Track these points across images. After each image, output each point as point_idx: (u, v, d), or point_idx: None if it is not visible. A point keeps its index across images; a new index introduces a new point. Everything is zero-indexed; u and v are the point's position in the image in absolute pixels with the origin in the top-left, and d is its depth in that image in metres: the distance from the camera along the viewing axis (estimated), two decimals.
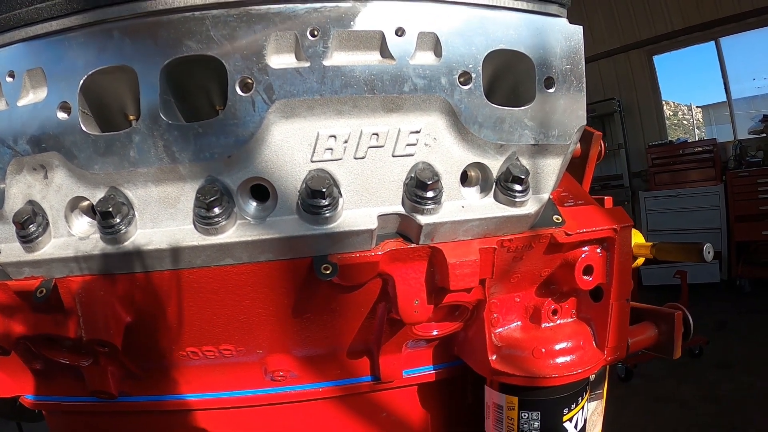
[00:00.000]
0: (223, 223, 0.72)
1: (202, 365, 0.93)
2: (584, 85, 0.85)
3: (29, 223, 0.76)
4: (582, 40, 0.84)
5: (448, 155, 0.78)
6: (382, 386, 1.00)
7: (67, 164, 0.75)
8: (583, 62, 0.84)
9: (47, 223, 0.77)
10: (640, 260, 1.30)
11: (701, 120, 9.76)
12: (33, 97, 0.77)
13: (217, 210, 0.71)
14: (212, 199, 0.70)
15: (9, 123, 0.77)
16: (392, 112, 0.74)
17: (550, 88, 0.82)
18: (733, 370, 4.24)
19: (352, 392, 1.01)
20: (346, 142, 0.73)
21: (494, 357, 0.95)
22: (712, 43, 7.42)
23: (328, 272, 0.74)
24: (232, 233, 0.73)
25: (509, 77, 0.87)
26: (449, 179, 0.79)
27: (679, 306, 1.10)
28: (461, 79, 0.76)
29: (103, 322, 0.79)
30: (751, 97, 7.58)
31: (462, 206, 0.80)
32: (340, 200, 0.74)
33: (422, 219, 0.76)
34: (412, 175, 0.76)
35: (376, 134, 0.74)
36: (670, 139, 7.74)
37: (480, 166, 0.82)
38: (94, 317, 0.78)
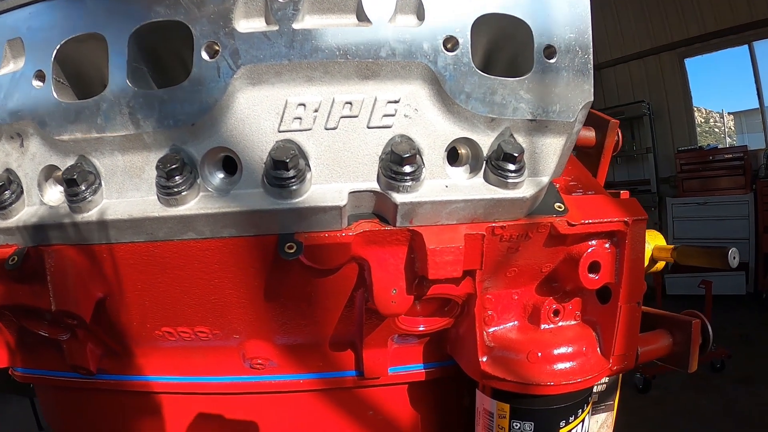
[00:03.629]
0: (184, 193, 0.63)
1: (180, 347, 0.85)
2: (591, 57, 0.71)
3: (3, 190, 0.71)
4: (588, 8, 0.71)
5: (432, 128, 0.67)
6: (367, 382, 0.88)
7: (40, 132, 0.69)
8: (590, 31, 0.71)
9: (21, 191, 0.72)
10: (661, 264, 1.13)
11: (733, 128, 9.05)
12: (13, 66, 0.72)
13: (177, 179, 0.63)
14: (172, 167, 0.62)
15: None
16: (367, 79, 0.63)
17: (551, 58, 0.68)
18: (755, 386, 3.82)
19: (336, 386, 0.90)
20: (316, 111, 0.63)
21: (485, 358, 0.81)
22: (746, 47, 6.80)
23: (292, 251, 0.64)
24: (193, 205, 0.64)
25: (507, 49, 0.75)
26: (432, 155, 0.67)
27: (698, 314, 0.92)
28: (447, 45, 0.64)
29: (71, 292, 0.72)
30: None
31: (446, 186, 0.68)
32: (308, 174, 0.64)
33: (398, 197, 0.65)
34: (389, 149, 0.65)
35: (350, 103, 0.64)
36: (700, 145, 7.17)
37: (469, 143, 0.70)
38: (63, 287, 0.72)
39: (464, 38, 0.64)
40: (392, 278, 0.70)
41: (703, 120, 8.74)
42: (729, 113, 9.01)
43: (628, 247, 0.81)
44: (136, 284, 0.73)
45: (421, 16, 0.63)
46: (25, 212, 0.72)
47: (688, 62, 7.28)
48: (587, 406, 0.82)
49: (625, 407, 1.13)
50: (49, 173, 0.72)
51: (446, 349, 0.91)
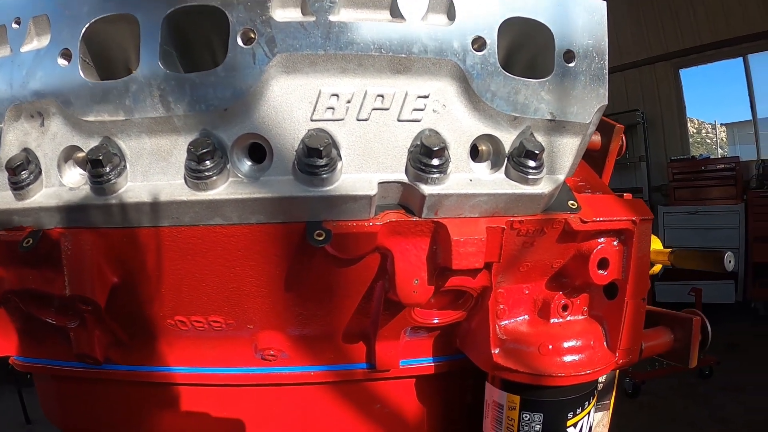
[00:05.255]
0: (214, 178, 0.67)
1: (191, 337, 0.88)
2: (606, 63, 0.78)
3: (21, 170, 0.73)
4: (605, 17, 0.78)
5: (458, 124, 0.73)
6: (377, 375, 0.94)
7: (63, 112, 0.72)
8: (606, 39, 0.79)
9: (39, 172, 0.75)
10: (657, 267, 1.22)
11: (725, 139, 9.48)
12: (36, 43, 0.75)
13: (208, 163, 0.67)
14: (204, 151, 0.66)
15: (11, 69, 0.75)
16: (399, 73, 0.69)
17: (570, 62, 0.76)
18: (742, 393, 4.03)
19: (346, 379, 0.95)
20: (348, 102, 0.69)
21: (497, 351, 0.88)
22: (740, 59, 7.20)
23: (321, 239, 0.69)
24: (222, 190, 0.69)
25: (527, 51, 0.82)
26: (458, 150, 0.74)
27: (698, 312, 1.01)
28: (475, 45, 0.71)
29: (87, 277, 0.75)
30: None
31: (470, 179, 0.74)
32: (339, 163, 0.69)
33: (426, 189, 0.71)
34: (418, 142, 0.71)
35: (381, 96, 0.69)
36: (692, 154, 7.52)
37: (492, 140, 0.76)
38: (78, 271, 0.75)
39: (491, 39, 0.71)
40: (415, 269, 0.76)
41: (695, 130, 9.13)
42: (721, 124, 9.46)
43: (635, 245, 0.89)
44: (154, 270, 0.77)
45: (451, 16, 0.69)
46: (43, 193, 0.75)
47: (683, 73, 7.64)
48: (593, 399, 0.90)
49: (614, 411, 1.21)
50: (69, 154, 0.75)
51: (455, 343, 0.98)
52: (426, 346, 0.97)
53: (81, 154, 0.75)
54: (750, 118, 7.38)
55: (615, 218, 0.87)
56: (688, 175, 7.02)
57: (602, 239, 0.90)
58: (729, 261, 1.09)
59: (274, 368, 0.92)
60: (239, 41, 0.67)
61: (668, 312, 1.06)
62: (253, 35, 0.67)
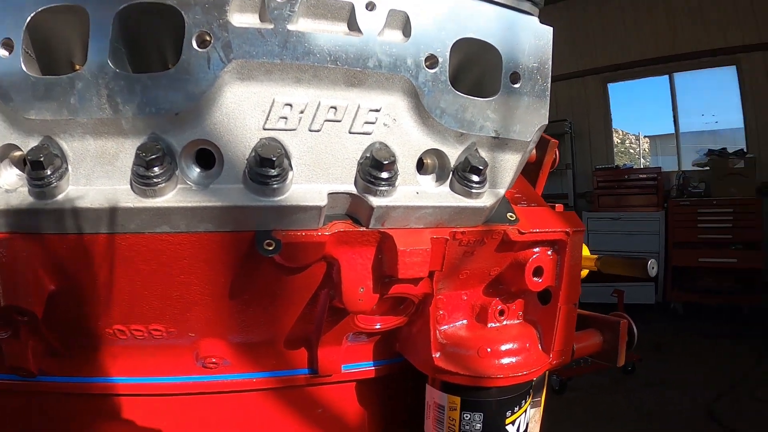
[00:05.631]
0: (163, 185, 0.67)
1: (130, 346, 0.86)
2: (549, 85, 0.85)
3: None
4: (551, 41, 0.85)
5: (407, 138, 0.76)
6: (319, 380, 0.96)
7: (1, 107, 0.68)
8: (550, 63, 0.85)
9: None
10: (584, 272, 1.32)
11: (647, 150, 10.31)
12: None
13: (157, 169, 0.66)
14: (153, 156, 0.65)
15: None
16: (353, 86, 0.72)
17: (516, 83, 0.82)
18: (663, 388, 4.38)
19: (288, 385, 0.96)
20: (302, 112, 0.70)
21: (438, 354, 0.93)
22: (667, 77, 7.85)
23: (270, 248, 0.70)
24: (171, 197, 0.68)
25: (474, 69, 0.87)
26: (405, 163, 0.77)
27: (624, 315, 1.12)
28: (427, 63, 0.75)
29: (23, 286, 0.72)
30: (698, 132, 8.05)
31: (416, 192, 0.78)
32: (290, 173, 0.71)
33: (374, 200, 0.74)
34: (368, 155, 0.74)
35: (335, 108, 0.71)
36: (616, 164, 8.12)
37: (438, 154, 0.80)
38: (14, 280, 0.71)
39: (443, 57, 0.75)
40: (360, 277, 0.79)
41: (619, 141, 9.83)
42: (645, 136, 10.25)
43: (569, 254, 0.97)
44: (94, 278, 0.74)
45: (407, 33, 0.73)
46: None
47: (611, 87, 8.21)
48: (529, 398, 0.97)
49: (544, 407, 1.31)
50: (5, 153, 0.71)
51: (395, 347, 1.02)
52: (367, 351, 1.00)
53: (18, 153, 0.71)
54: (673, 131, 8.07)
55: (550, 230, 0.94)
56: (612, 183, 7.55)
57: (537, 249, 0.97)
58: (652, 267, 1.20)
59: (216, 376, 0.91)
60: (194, 44, 0.66)
61: (597, 315, 1.16)
62: (209, 38, 0.66)
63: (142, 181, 0.66)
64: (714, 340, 5.68)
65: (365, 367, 1.01)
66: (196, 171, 0.70)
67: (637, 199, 7.32)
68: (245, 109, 0.69)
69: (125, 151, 0.68)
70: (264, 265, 0.77)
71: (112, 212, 0.68)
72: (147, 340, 0.85)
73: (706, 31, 7.13)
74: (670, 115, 7.96)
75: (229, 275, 0.77)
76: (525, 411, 0.96)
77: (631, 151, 10.57)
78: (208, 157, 0.71)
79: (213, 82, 0.66)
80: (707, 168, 7.01)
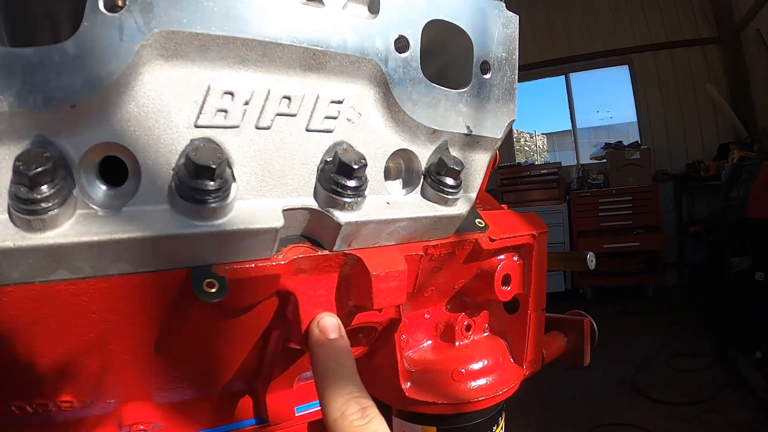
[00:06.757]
0: (55, 211, 0.46)
1: (34, 423, 0.64)
2: (516, 77, 0.78)
3: None
4: (517, 30, 0.78)
5: (374, 136, 0.64)
6: (270, 430, 0.81)
7: None
8: (518, 53, 0.78)
9: None
10: None
11: (544, 146, 11.26)
12: None
13: (45, 189, 0.45)
14: (40, 170, 0.44)
15: None
16: (311, 71, 0.57)
17: (486, 73, 0.73)
18: (585, 369, 4.83)
19: None
20: (246, 103, 0.54)
21: (408, 385, 0.82)
22: (563, 77, 8.61)
23: (213, 291, 0.53)
24: (68, 229, 0.47)
25: (438, 59, 0.77)
26: (374, 167, 0.65)
27: (583, 313, 1.11)
28: (397, 45, 0.63)
29: None
30: (595, 127, 8.96)
31: (387, 202, 0.66)
32: (233, 186, 0.54)
33: (341, 216, 0.60)
34: (330, 158, 0.60)
35: (288, 98, 0.57)
36: (518, 161, 8.64)
37: (406, 155, 0.69)
38: None
39: (415, 41, 0.63)
40: (322, 311, 0.66)
41: (514, 139, 10.59)
42: (542, 134, 11.17)
43: (536, 257, 0.91)
44: None
45: (374, 9, 0.60)
46: None
47: None
48: (504, 413, 0.90)
49: None
50: None
51: None
52: None
53: None
54: (570, 128, 8.83)
55: (519, 234, 0.88)
56: (515, 180, 8.03)
57: (503, 256, 0.91)
58: (591, 260, 1.21)
59: None
60: (101, 5, 0.45)
61: (559, 316, 1.13)
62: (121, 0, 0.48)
63: (24, 207, 0.45)
64: (625, 318, 6.32)
65: (318, 407, 0.87)
66: (101, 189, 0.50)
67: (539, 194, 7.86)
68: (170, 99, 0.50)
69: None
70: (197, 309, 0.59)
71: None
72: (57, 413, 0.64)
73: (600, 33, 7.89)
74: (567, 113, 8.69)
75: (155, 327, 0.58)
76: (502, 427, 0.90)
77: (527, 148, 11.43)
78: (117, 168, 0.52)
79: (126, 59, 0.46)
80: (605, 160, 7.75)
